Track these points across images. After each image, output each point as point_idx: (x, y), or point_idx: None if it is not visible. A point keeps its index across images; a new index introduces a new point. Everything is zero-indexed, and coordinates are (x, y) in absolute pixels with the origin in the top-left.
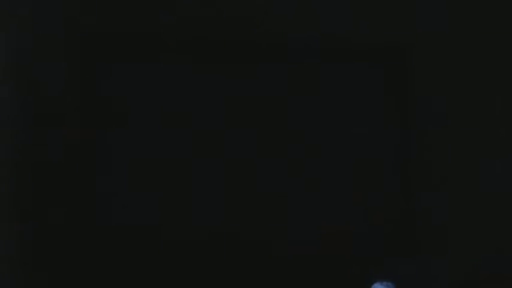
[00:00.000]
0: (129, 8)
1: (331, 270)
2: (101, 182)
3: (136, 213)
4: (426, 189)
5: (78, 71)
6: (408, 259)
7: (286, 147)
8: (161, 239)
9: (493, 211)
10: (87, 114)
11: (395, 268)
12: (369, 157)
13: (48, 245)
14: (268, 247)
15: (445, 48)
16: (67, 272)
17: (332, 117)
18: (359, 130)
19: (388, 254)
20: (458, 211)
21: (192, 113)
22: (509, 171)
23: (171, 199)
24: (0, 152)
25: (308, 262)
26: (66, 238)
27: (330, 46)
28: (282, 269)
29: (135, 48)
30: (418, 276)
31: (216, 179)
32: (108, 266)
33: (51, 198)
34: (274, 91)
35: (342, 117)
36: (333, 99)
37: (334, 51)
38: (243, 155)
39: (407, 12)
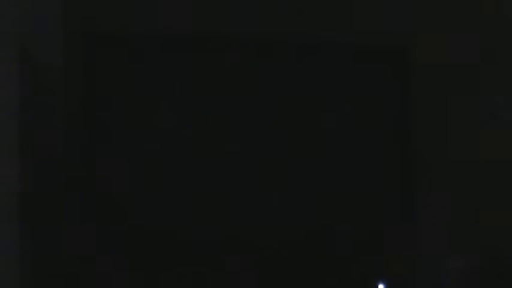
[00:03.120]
0: (129, 9)
1: (331, 269)
2: (100, 182)
3: (135, 213)
4: (426, 189)
5: (78, 71)
6: (407, 258)
7: (286, 148)
8: (160, 238)
9: (493, 210)
10: (87, 114)
11: (394, 267)
12: (368, 157)
13: (50, 246)
14: (269, 246)
15: (445, 49)
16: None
17: (331, 117)
18: (359, 130)
19: (388, 253)
20: (459, 210)
21: (192, 112)
22: (510, 170)
23: (173, 199)
24: (1, 152)
25: (308, 261)
26: (65, 237)
27: (331, 46)
28: (282, 268)
29: (135, 49)
30: (416, 276)
31: (216, 178)
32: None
33: (52, 197)
34: (273, 91)
35: (342, 117)
36: (333, 99)
37: (335, 52)
38: (243, 154)
39: (408, 12)
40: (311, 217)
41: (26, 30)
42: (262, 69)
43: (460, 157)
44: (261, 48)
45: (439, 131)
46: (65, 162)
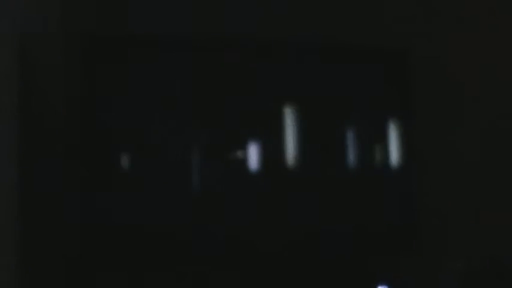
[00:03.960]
0: (129, 9)
1: (332, 270)
2: (101, 183)
3: (135, 214)
4: (426, 189)
5: (79, 72)
6: (408, 259)
7: (286, 147)
8: (158, 239)
9: (493, 211)
10: (88, 115)
11: (395, 268)
12: (368, 157)
13: (50, 247)
14: (268, 246)
15: (445, 49)
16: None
17: (331, 117)
18: (358, 131)
19: (388, 253)
20: (458, 211)
21: (193, 113)
22: (510, 171)
23: (173, 199)
24: (1, 152)
25: (308, 262)
26: (66, 239)
27: (330, 46)
28: (281, 268)
29: (136, 49)
30: (417, 276)
31: (217, 179)
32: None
33: (52, 198)
34: (273, 91)
35: (341, 117)
36: (333, 99)
37: (334, 52)
38: (244, 155)
39: (408, 12)
40: (311, 218)
41: (25, 30)
42: (262, 69)
43: (460, 157)
44: (261, 48)
45: (439, 131)
46: (65, 163)
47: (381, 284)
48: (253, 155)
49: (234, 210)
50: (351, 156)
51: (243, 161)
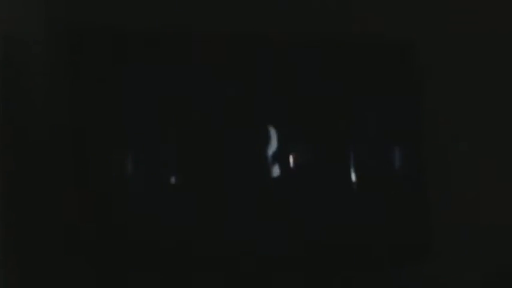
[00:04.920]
0: (130, 8)
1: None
2: (100, 183)
3: (135, 214)
4: (430, 189)
5: (66, 71)
6: (423, 270)
7: (288, 148)
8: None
9: (497, 210)
10: (77, 115)
11: (411, 279)
12: (370, 157)
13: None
14: (269, 248)
15: (447, 48)
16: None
17: (332, 117)
18: (360, 130)
19: (404, 264)
20: (463, 211)
21: (193, 114)
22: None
23: (173, 199)
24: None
25: (310, 265)
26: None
27: (331, 45)
28: (282, 271)
29: (137, 49)
30: (426, 283)
31: (218, 180)
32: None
33: (52, 199)
34: (274, 91)
35: (343, 117)
36: (334, 99)
37: (335, 50)
38: (246, 155)
39: (409, 11)
40: (321, 226)
41: (8, 27)
42: (262, 69)
43: (464, 156)
44: (261, 47)
45: (442, 130)
46: (52, 162)
47: None
48: (255, 153)
49: (237, 209)
50: (353, 155)
51: (245, 161)
